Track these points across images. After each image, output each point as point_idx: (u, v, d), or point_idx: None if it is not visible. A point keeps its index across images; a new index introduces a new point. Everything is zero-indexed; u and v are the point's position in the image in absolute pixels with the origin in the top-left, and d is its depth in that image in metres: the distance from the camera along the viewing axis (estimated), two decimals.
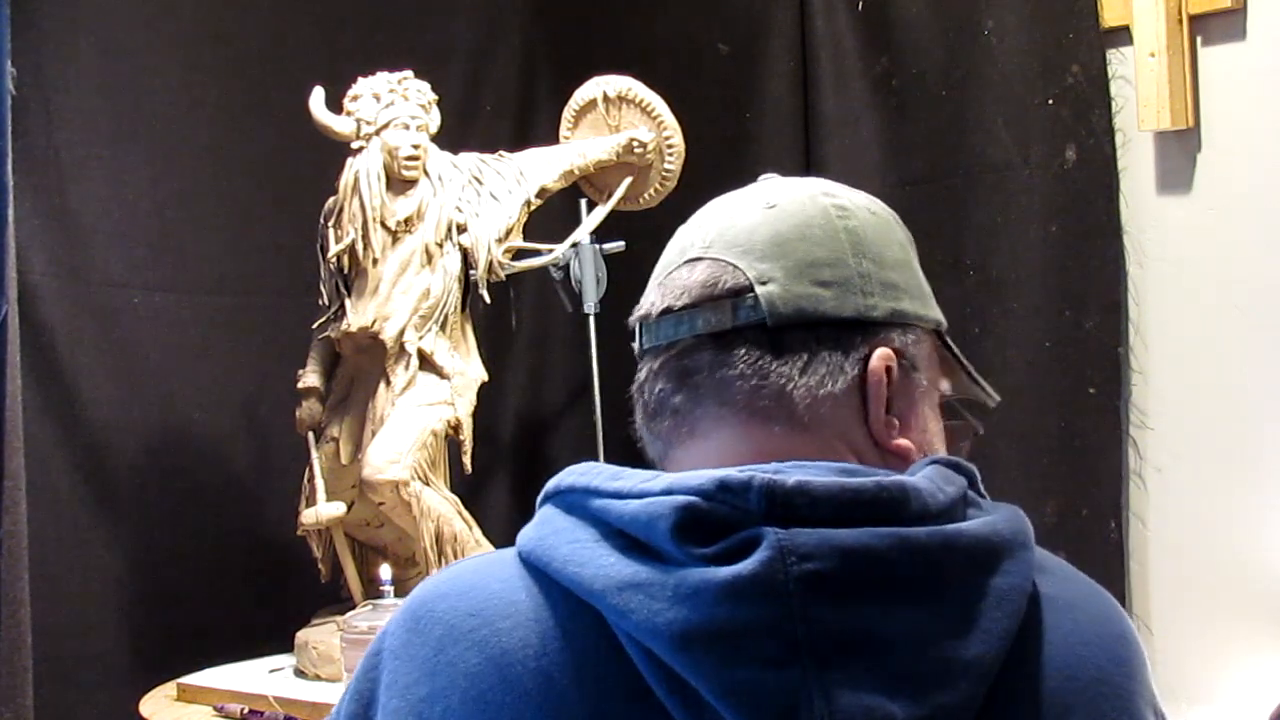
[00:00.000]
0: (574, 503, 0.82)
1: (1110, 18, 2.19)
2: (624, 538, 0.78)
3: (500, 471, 2.83)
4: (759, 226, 0.89)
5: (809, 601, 0.73)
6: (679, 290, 0.88)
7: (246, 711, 1.99)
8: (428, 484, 2.10)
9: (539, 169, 2.29)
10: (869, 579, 0.74)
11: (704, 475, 0.77)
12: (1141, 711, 0.80)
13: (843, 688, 0.72)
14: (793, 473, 0.77)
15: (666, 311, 0.88)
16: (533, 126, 2.77)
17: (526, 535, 0.84)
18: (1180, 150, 2.16)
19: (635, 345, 0.91)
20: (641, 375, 0.90)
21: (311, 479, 2.18)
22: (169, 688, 2.15)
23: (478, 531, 2.16)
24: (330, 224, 2.18)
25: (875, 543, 0.74)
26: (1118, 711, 0.79)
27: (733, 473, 0.76)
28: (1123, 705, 0.79)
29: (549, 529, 0.82)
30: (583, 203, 2.39)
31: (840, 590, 0.74)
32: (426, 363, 2.15)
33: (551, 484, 0.85)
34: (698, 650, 0.73)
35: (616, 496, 0.79)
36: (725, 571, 0.73)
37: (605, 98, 2.36)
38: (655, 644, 0.74)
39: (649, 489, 0.78)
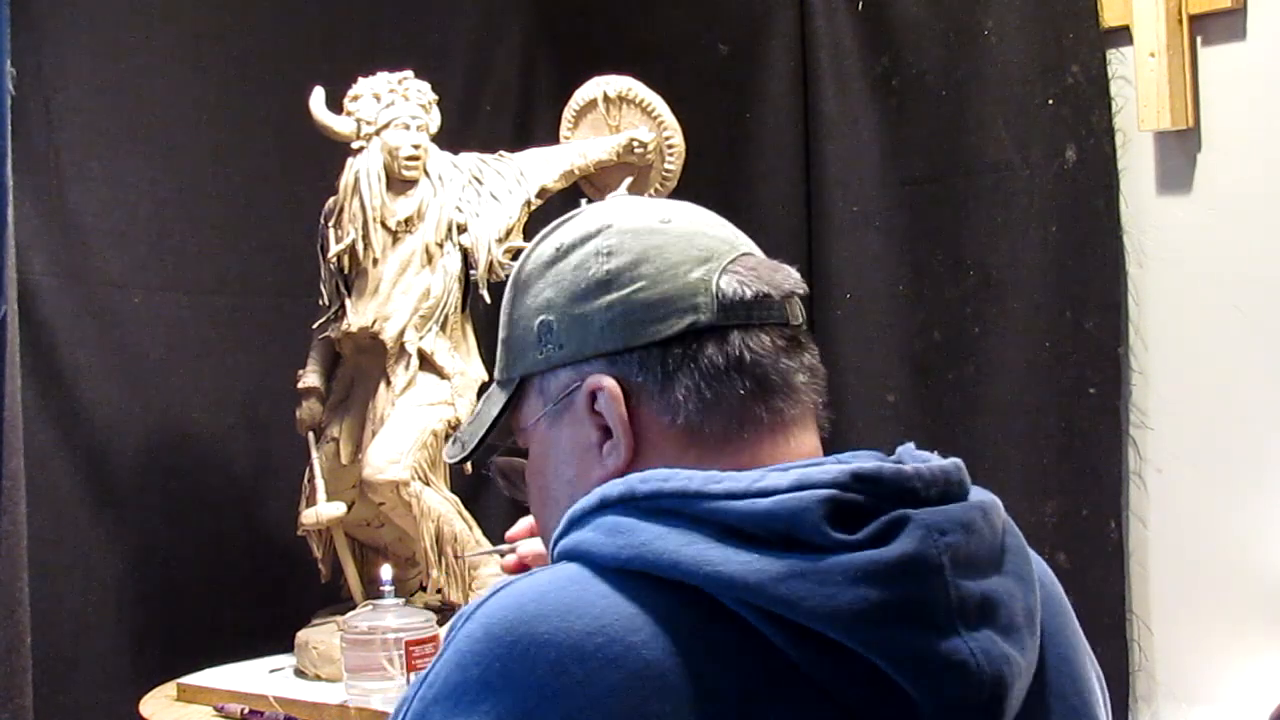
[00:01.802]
0: (667, 507, 0.83)
1: (1110, 18, 2.19)
2: (741, 535, 0.81)
3: None
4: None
5: (953, 571, 0.82)
6: (783, 279, 0.95)
7: (246, 711, 1.99)
8: (428, 484, 2.10)
9: (539, 169, 2.29)
10: (975, 548, 0.84)
11: (832, 469, 0.83)
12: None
13: (985, 645, 0.81)
14: (903, 459, 0.87)
15: (790, 295, 0.94)
16: (533, 126, 2.77)
17: (606, 544, 0.84)
18: (1180, 150, 2.16)
19: (693, 317, 0.91)
20: (756, 348, 0.92)
21: (311, 479, 2.18)
22: (169, 688, 2.14)
23: (478, 531, 2.16)
24: (330, 224, 2.17)
25: (975, 516, 0.85)
26: (1070, 613, 0.97)
27: (863, 464, 0.84)
28: (1069, 607, 0.98)
29: (645, 535, 0.83)
30: (583, 203, 2.38)
31: (965, 559, 0.83)
32: (427, 363, 2.15)
33: (617, 491, 0.86)
34: (880, 625, 0.79)
35: (730, 497, 0.82)
36: (892, 551, 0.80)
37: (605, 98, 2.35)
38: (832, 626, 0.78)
39: (775, 485, 0.82)
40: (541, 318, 0.97)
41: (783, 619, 0.79)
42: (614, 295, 0.93)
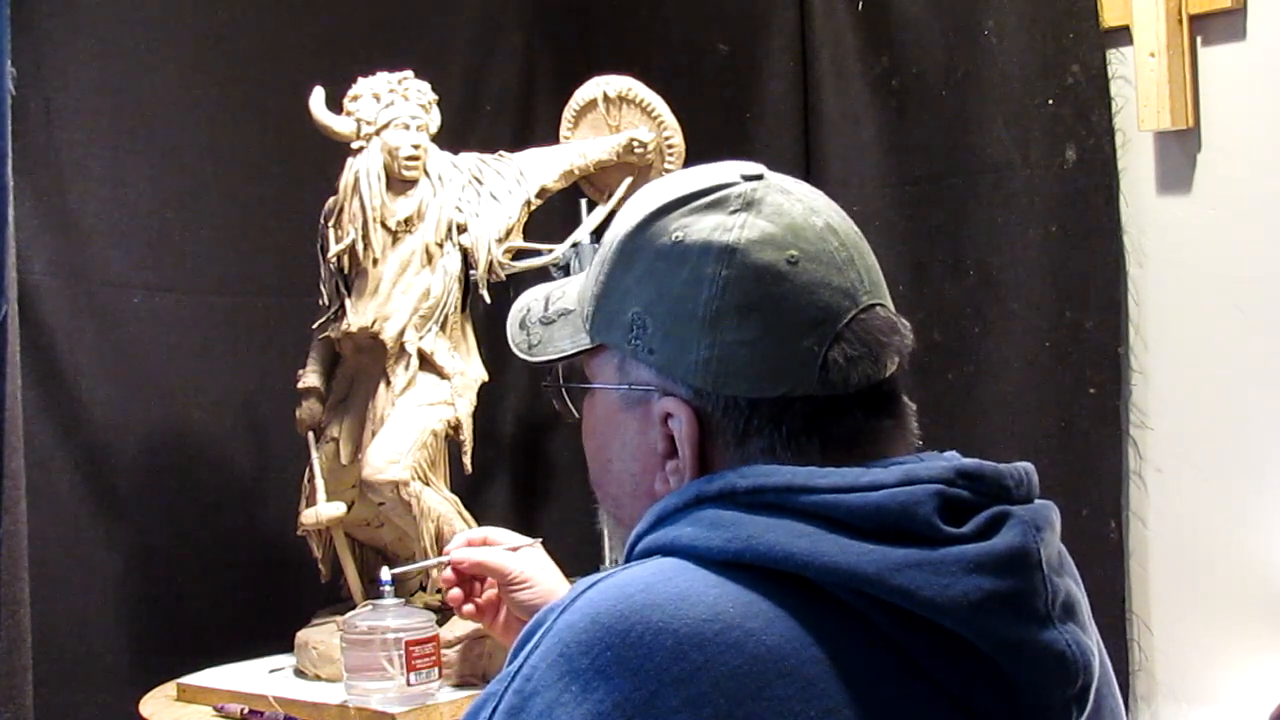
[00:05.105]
0: (770, 502, 0.84)
1: (1110, 18, 2.20)
2: (850, 528, 0.82)
3: (500, 471, 2.83)
4: (872, 257, 0.97)
5: (1046, 566, 0.85)
6: (891, 348, 0.93)
7: (246, 711, 1.99)
8: (428, 484, 2.10)
9: (539, 169, 2.29)
10: (1054, 547, 0.88)
11: (935, 465, 0.87)
12: None
13: (1076, 637, 0.84)
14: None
15: (890, 360, 0.93)
16: (533, 126, 2.77)
17: (710, 538, 0.84)
18: (1180, 150, 2.16)
19: (789, 387, 0.90)
20: (845, 419, 0.91)
21: (311, 479, 2.18)
22: (169, 688, 2.14)
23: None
24: (330, 224, 2.17)
25: (1054, 517, 0.90)
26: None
27: (965, 462, 0.88)
28: None
29: (752, 528, 0.83)
30: (583, 203, 2.39)
31: (1050, 557, 0.87)
32: (426, 363, 2.15)
33: (715, 488, 0.86)
34: (992, 614, 0.81)
35: (837, 491, 0.84)
36: (1000, 544, 0.83)
37: (605, 98, 2.35)
38: (947, 614, 0.80)
39: (882, 480, 0.84)
40: (636, 309, 0.94)
41: (896, 608, 0.81)
42: (715, 337, 0.90)
